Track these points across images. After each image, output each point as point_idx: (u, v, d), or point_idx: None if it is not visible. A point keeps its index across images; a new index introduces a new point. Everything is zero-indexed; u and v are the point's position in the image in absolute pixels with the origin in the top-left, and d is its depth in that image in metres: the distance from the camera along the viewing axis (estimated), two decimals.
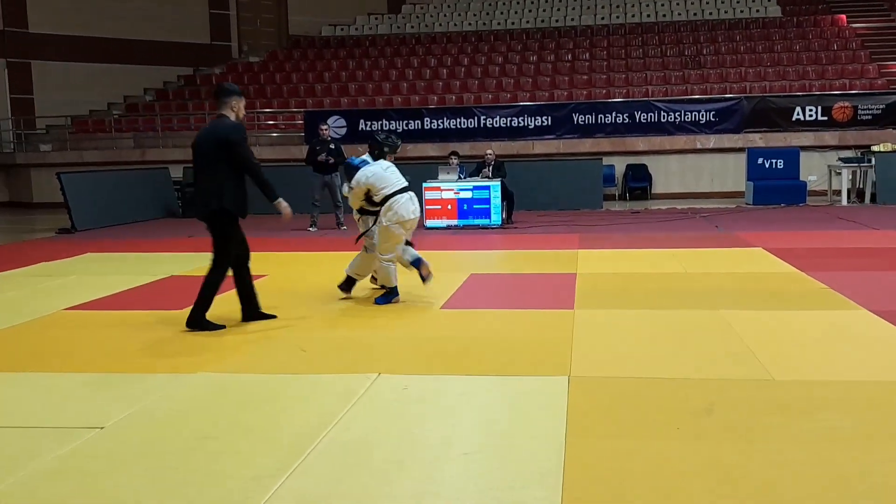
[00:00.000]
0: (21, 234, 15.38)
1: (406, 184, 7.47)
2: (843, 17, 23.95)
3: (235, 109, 6.52)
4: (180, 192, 17.03)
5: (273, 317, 6.86)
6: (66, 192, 15.05)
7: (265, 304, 7.46)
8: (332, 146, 13.89)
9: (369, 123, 19.76)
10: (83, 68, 23.62)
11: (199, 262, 10.02)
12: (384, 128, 19.77)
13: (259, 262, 10.17)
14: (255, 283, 8.68)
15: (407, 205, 7.39)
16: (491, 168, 14.07)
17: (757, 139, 18.62)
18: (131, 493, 3.49)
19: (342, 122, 19.64)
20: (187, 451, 3.96)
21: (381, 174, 7.46)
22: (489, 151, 14.38)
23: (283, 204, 6.59)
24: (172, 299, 7.90)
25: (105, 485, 3.58)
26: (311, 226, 13.81)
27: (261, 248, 11.44)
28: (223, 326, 6.61)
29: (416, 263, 7.46)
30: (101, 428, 4.29)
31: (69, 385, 5.13)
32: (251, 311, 6.87)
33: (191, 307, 6.62)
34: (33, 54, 23.30)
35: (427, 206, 13.85)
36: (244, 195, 6.51)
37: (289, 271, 9.56)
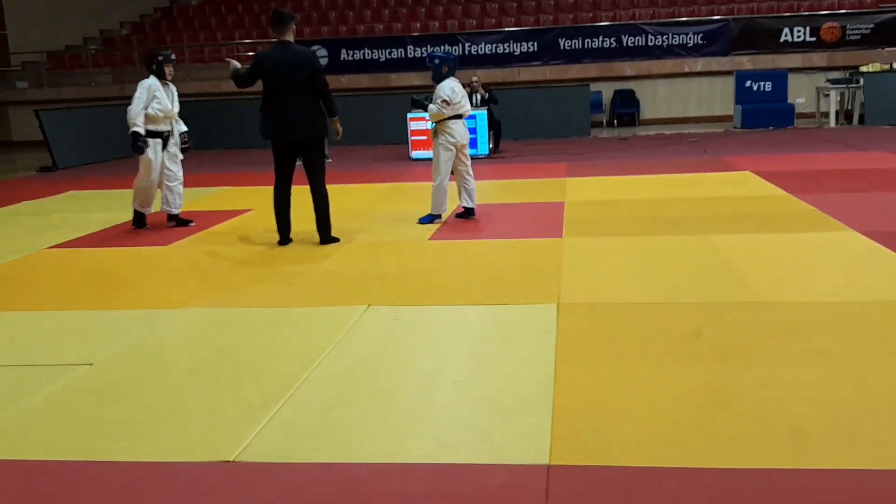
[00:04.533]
0: (2, 173, 15.16)
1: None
2: None
3: (294, 34, 6.97)
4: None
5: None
6: (46, 130, 14.82)
7: (250, 241, 7.44)
8: None
9: (351, 53, 19.43)
10: (57, 2, 22.97)
11: (184, 197, 9.91)
12: (366, 57, 19.47)
13: (245, 196, 10.11)
14: (241, 217, 8.66)
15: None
16: (479, 96, 13.81)
17: (745, 62, 18.42)
18: (122, 427, 3.49)
19: (324, 51, 19.27)
20: (177, 385, 3.95)
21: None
22: (474, 78, 14.12)
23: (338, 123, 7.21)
24: (156, 235, 7.83)
25: (96, 420, 3.58)
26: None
27: (246, 182, 11.35)
28: None
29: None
30: (91, 364, 4.27)
31: (56, 323, 5.10)
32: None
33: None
34: None
35: (412, 137, 13.72)
36: None
37: None
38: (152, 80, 7.77)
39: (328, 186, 7.13)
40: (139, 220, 8.15)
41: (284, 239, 7.12)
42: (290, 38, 6.91)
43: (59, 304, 5.54)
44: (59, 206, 10.18)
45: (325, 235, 7.10)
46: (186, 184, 8.50)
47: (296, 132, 6.87)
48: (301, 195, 7.20)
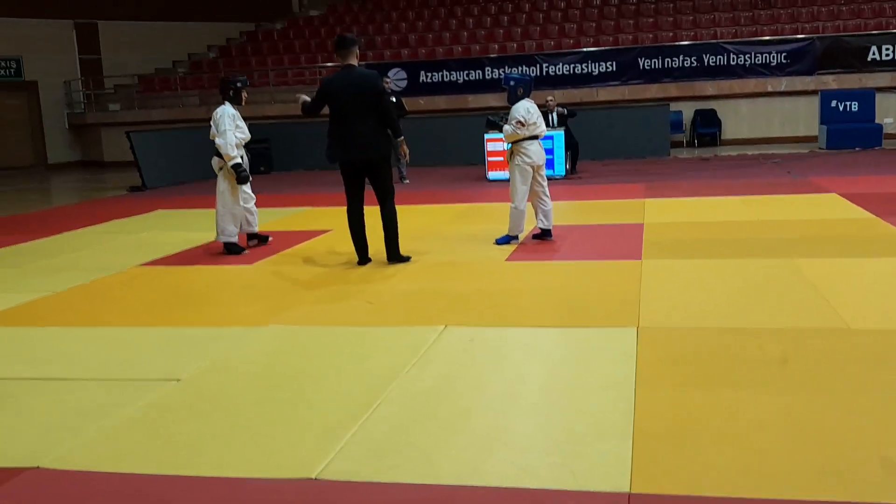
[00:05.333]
0: (94, 192, 15.78)
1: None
2: None
3: (358, 58, 6.98)
4: (246, 147, 17.24)
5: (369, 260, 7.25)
6: (136, 151, 15.37)
7: (330, 260, 7.56)
8: (394, 99, 13.83)
9: (430, 75, 19.64)
10: (148, 27, 23.92)
11: (266, 217, 10.16)
12: (445, 79, 19.65)
13: (325, 216, 10.29)
14: (321, 237, 8.82)
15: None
16: (554, 116, 13.77)
17: (830, 81, 17.95)
18: (207, 442, 3.59)
19: (403, 74, 19.56)
20: (261, 402, 4.05)
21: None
22: (549, 98, 14.11)
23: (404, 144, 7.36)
24: (242, 255, 8.02)
25: (182, 434, 3.69)
26: None
27: (327, 202, 11.55)
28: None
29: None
30: (178, 380, 4.41)
31: (146, 339, 5.28)
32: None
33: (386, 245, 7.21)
34: (99, 14, 23.65)
35: (489, 158, 13.77)
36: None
37: None
38: (231, 109, 7.84)
39: (403, 207, 7.22)
40: (235, 247, 8.04)
41: (363, 259, 7.22)
42: (354, 61, 6.92)
43: (148, 321, 5.74)
44: (148, 224, 10.54)
45: (393, 254, 7.18)
46: (269, 204, 8.72)
47: (359, 153, 6.94)
48: (378, 215, 7.29)
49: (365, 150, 6.92)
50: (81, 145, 23.24)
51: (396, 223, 7.17)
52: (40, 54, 22.43)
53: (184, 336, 5.29)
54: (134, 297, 6.57)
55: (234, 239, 8.08)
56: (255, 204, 8.32)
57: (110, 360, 4.86)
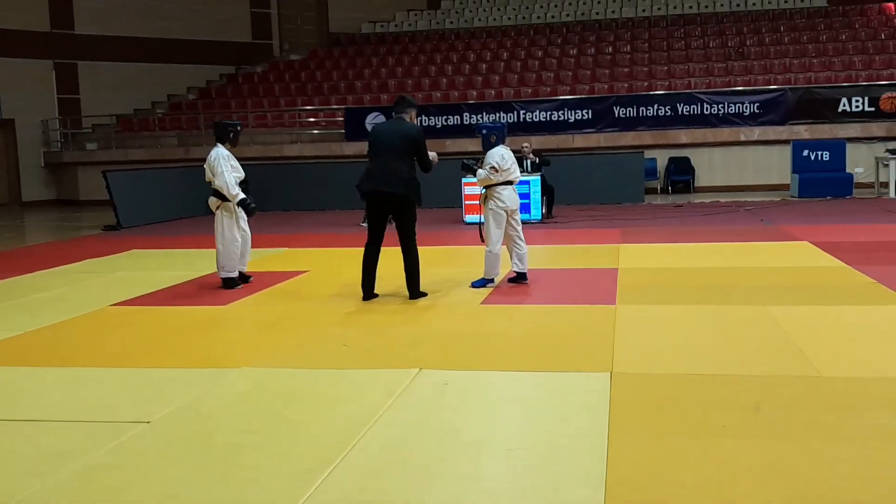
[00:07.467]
0: (68, 231, 15.66)
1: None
2: (892, 5, 23.41)
3: (413, 119, 7.48)
4: None
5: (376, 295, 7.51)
6: (112, 190, 15.30)
7: (306, 302, 7.53)
8: None
9: None
10: (128, 68, 23.96)
11: None
12: (423, 123, 19.82)
13: (302, 257, 10.28)
14: (298, 278, 8.80)
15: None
16: (529, 162, 13.96)
17: (802, 131, 18.30)
18: (177, 486, 3.54)
19: (382, 118, 19.65)
20: (231, 446, 4.00)
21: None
22: (525, 145, 14.30)
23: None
24: (216, 295, 7.99)
25: (152, 478, 3.64)
26: (364, 220, 13.83)
27: (304, 244, 11.55)
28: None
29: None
30: (148, 422, 4.35)
31: (116, 380, 5.22)
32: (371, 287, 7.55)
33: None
34: (80, 55, 23.67)
35: (466, 202, 13.85)
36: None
37: (331, 267, 9.61)
38: (225, 150, 8.18)
39: (381, 249, 7.35)
40: (233, 282, 8.27)
41: (366, 295, 7.44)
42: (406, 118, 7.43)
43: (119, 362, 5.67)
44: (122, 264, 10.46)
45: (412, 291, 7.43)
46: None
47: (381, 186, 7.25)
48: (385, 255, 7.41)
49: (389, 185, 7.21)
50: (57, 184, 23.12)
51: (413, 263, 7.42)
52: (19, 93, 22.38)
53: (154, 378, 5.23)
54: (105, 337, 6.50)
55: (234, 274, 8.31)
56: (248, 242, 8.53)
57: (79, 402, 4.80)
